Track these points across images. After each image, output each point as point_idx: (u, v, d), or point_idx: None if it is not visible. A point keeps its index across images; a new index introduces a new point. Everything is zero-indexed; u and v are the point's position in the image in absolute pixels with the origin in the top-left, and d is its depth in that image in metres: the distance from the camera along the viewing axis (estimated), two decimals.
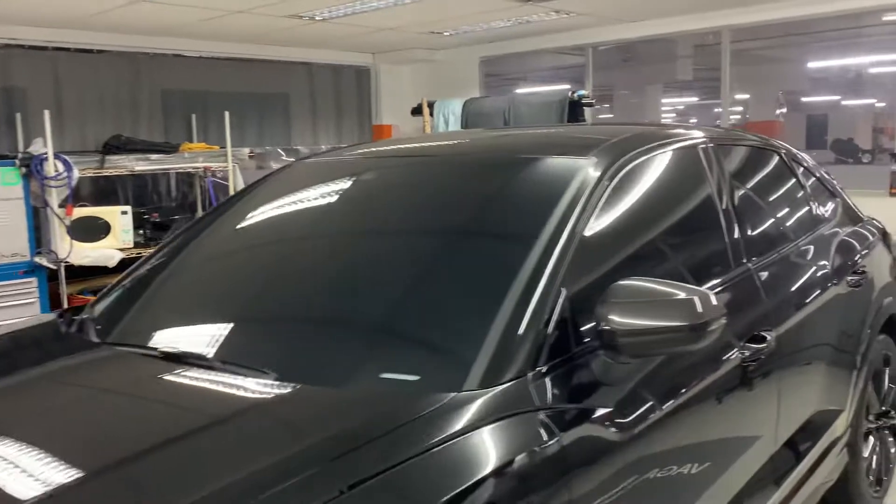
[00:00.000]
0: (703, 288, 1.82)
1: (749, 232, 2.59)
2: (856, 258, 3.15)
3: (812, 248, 2.96)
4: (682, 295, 1.68)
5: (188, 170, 7.03)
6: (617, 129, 2.55)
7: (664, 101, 10.56)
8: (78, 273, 6.14)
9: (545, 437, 1.50)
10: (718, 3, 6.65)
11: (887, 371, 3.44)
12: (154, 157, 6.66)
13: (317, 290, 2.01)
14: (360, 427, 1.42)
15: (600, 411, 1.64)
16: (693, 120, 10.13)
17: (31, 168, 5.91)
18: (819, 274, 2.85)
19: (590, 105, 7.26)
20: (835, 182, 3.66)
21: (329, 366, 1.69)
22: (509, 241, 1.96)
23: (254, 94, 8.35)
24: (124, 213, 6.21)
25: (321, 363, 1.71)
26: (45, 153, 5.93)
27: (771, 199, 2.95)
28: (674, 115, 11.19)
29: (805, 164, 3.32)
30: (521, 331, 1.65)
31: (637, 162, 2.23)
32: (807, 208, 3.13)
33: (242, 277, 2.14)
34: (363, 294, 1.92)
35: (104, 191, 7.00)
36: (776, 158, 3.10)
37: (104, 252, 6.04)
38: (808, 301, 2.69)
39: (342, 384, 1.60)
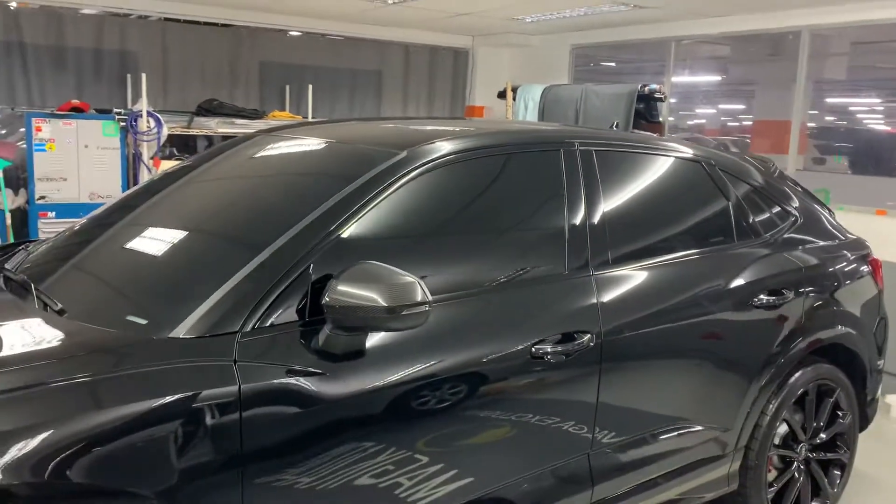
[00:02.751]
0: (418, 279, 1.95)
1: (608, 239, 2.63)
2: (777, 278, 3.05)
3: (709, 262, 2.91)
4: (396, 280, 1.89)
5: None
6: (469, 129, 2.66)
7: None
8: None
9: (228, 386, 1.77)
10: (799, 2, 6.29)
11: (829, 402, 3.30)
12: (239, 121, 7.32)
13: (124, 247, 2.40)
14: (74, 349, 1.81)
15: (305, 376, 1.88)
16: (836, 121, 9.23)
17: (128, 123, 6.73)
18: (704, 288, 2.82)
19: (660, 100, 7.12)
20: (809, 200, 3.52)
21: (100, 307, 2.06)
22: (276, 217, 2.21)
23: (347, 69, 8.84)
24: None
25: (95, 304, 2.08)
26: (141, 110, 6.72)
27: (665, 209, 2.94)
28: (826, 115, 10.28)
29: (744, 178, 3.22)
30: (243, 295, 1.92)
31: (456, 160, 2.39)
32: (726, 222, 3.07)
33: (102, 231, 2.53)
34: (148, 254, 2.32)
35: (192, 148, 7.76)
36: (693, 169, 3.06)
37: None
38: (671, 313, 2.69)
39: (98, 321, 1.94)
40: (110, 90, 7.48)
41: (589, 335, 2.41)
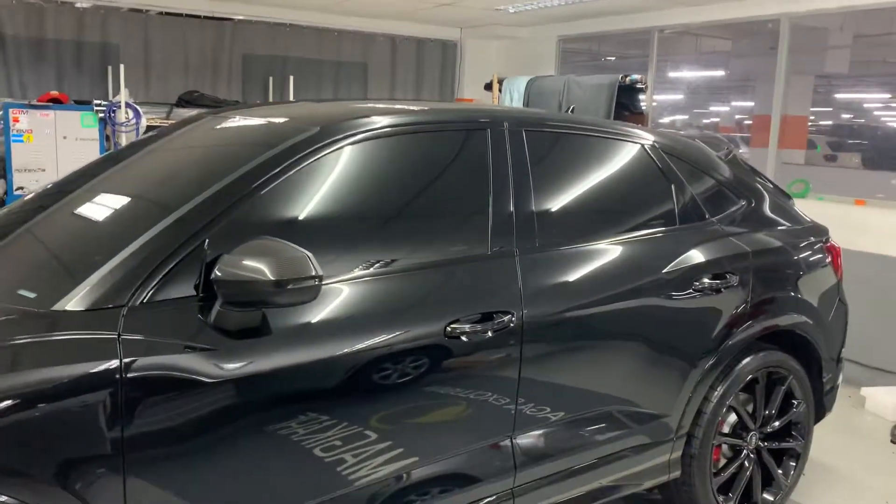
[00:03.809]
0: (309, 253, 1.92)
1: (536, 221, 2.58)
2: (722, 262, 2.98)
3: (646, 245, 2.85)
4: (286, 254, 1.86)
5: None
6: (388, 108, 2.61)
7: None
8: None
9: (108, 360, 1.74)
10: None
11: (781, 390, 3.23)
12: None
13: (30, 225, 2.38)
14: None
15: (196, 353, 1.84)
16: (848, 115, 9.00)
17: (106, 114, 6.73)
18: (638, 271, 2.76)
19: (642, 90, 7.07)
20: (764, 185, 3.45)
21: (4, 281, 2.03)
22: (175, 193, 2.19)
23: (332, 62, 8.80)
24: None
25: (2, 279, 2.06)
26: (119, 101, 6.72)
27: (600, 192, 2.88)
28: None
29: (691, 160, 3.15)
30: (131, 268, 1.89)
31: (373, 136, 2.36)
32: (668, 205, 3.01)
33: (15, 213, 2.52)
34: (51, 230, 2.32)
35: None
36: (632, 149, 3.01)
37: None
38: (600, 295, 2.63)
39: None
40: (92, 82, 7.48)
41: (510, 315, 2.37)
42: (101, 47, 7.54)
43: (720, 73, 9.03)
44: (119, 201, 2.38)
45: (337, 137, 2.29)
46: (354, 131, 2.33)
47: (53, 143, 6.59)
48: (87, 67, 7.49)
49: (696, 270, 2.89)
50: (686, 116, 8.76)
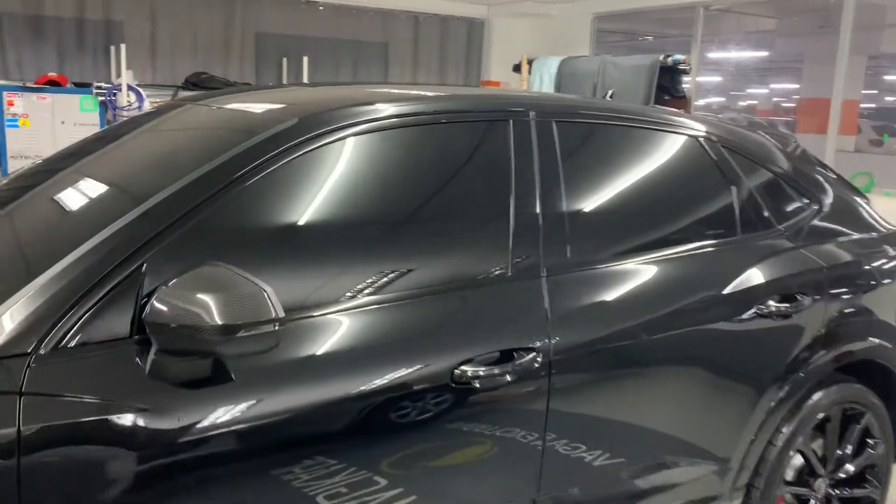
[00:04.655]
0: (266, 288, 1.49)
1: (568, 233, 2.10)
2: (791, 280, 2.47)
3: (700, 261, 2.35)
4: (238, 290, 1.45)
5: None
6: (387, 94, 2.14)
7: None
8: None
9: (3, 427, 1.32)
10: None
11: (857, 429, 2.72)
12: None
13: None
14: None
15: (122, 413, 1.42)
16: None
17: (106, 97, 6.32)
18: (691, 293, 2.26)
19: (685, 72, 6.50)
20: (839, 185, 2.91)
21: None
22: (114, 203, 1.77)
23: (350, 41, 8.31)
24: None
25: None
26: (119, 84, 6.31)
27: (645, 195, 2.37)
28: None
29: (755, 157, 2.63)
30: (42, 304, 1.46)
31: (365, 131, 1.91)
32: (728, 211, 2.49)
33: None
34: None
35: None
36: (684, 143, 2.49)
37: None
38: (644, 324, 2.14)
39: None
40: (94, 63, 7.07)
41: (534, 353, 1.89)
42: (103, 25, 7.12)
43: (763, 53, 8.44)
44: (48, 211, 1.95)
45: (320, 131, 1.83)
46: (341, 124, 1.87)
47: (51, 129, 6.20)
48: (90, 47, 7.07)
49: (762, 291, 2.38)
50: (722, 99, 8.20)
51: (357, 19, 8.33)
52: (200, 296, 1.42)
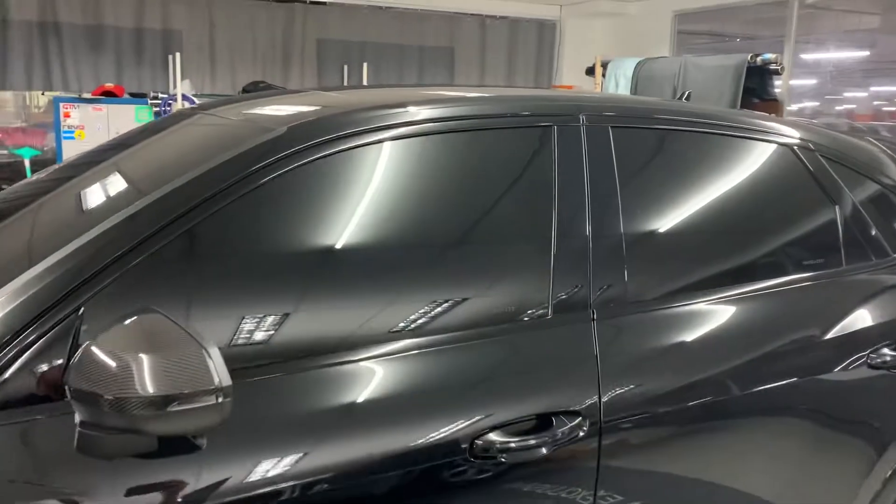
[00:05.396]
0: (213, 346, 1.17)
1: (626, 262, 1.67)
2: None
3: (795, 299, 1.87)
4: (175, 351, 1.14)
5: None
6: (402, 98, 1.74)
7: None
8: None
9: None
10: None
11: None
12: None
13: None
14: None
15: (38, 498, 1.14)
16: None
17: (161, 107, 6.18)
18: (784, 339, 1.79)
19: (776, 73, 5.85)
20: None
21: None
22: (69, 227, 1.46)
23: (415, 46, 7.97)
24: None
25: None
26: (175, 94, 6.15)
27: (726, 217, 1.90)
28: None
29: (864, 170, 2.12)
30: None
31: (364, 143, 1.55)
32: (831, 236, 1.99)
33: None
34: None
35: None
36: (776, 152, 2.00)
37: None
38: (723, 378, 1.69)
39: None
40: (153, 72, 6.95)
41: (578, 418, 1.49)
42: (161, 34, 6.99)
43: (863, 53, 7.69)
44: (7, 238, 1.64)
45: (314, 142, 1.50)
46: (341, 132, 1.53)
47: (106, 140, 6.07)
48: (148, 57, 6.95)
49: (874, 336, 1.91)
50: (817, 103, 7.49)
51: (421, 23, 7.99)
52: (128, 356, 1.12)
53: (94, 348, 1.12)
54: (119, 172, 1.80)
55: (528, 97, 1.85)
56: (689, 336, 1.69)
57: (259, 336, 1.36)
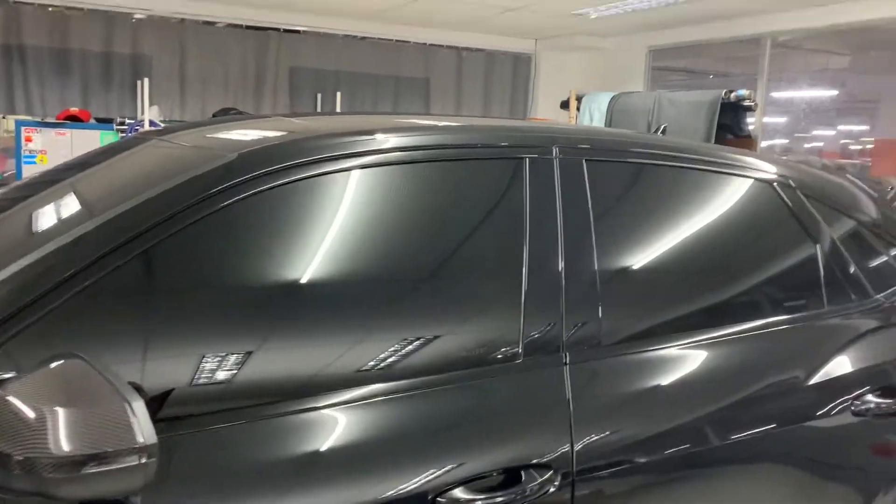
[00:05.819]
0: (137, 401, 1.05)
1: (600, 303, 1.58)
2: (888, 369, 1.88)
3: (774, 343, 1.79)
4: (95, 403, 1.02)
5: None
6: (361, 126, 1.65)
7: None
8: None
9: None
10: None
11: None
12: None
13: None
14: None
15: None
16: None
17: (127, 133, 6.02)
18: (761, 386, 1.70)
19: (750, 109, 5.87)
20: None
21: None
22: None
23: (390, 77, 7.93)
24: None
25: None
26: (142, 120, 6.02)
27: (701, 256, 1.81)
28: None
29: (844, 208, 2.05)
30: None
31: (319, 173, 1.45)
32: (811, 277, 1.92)
33: None
34: None
35: None
36: (754, 188, 1.93)
37: None
38: (699, 427, 1.60)
39: None
40: (121, 98, 6.81)
41: (550, 471, 1.39)
42: (131, 59, 6.86)
43: (832, 92, 7.79)
44: None
45: (266, 170, 1.39)
46: (292, 162, 1.42)
47: None
48: (116, 82, 6.81)
49: (857, 382, 1.82)
50: (786, 140, 7.56)
51: (397, 53, 7.96)
52: (44, 408, 1.00)
53: (9, 398, 0.99)
54: (53, 202, 1.67)
55: (499, 127, 1.75)
56: (666, 380, 1.59)
57: (202, 380, 1.23)
